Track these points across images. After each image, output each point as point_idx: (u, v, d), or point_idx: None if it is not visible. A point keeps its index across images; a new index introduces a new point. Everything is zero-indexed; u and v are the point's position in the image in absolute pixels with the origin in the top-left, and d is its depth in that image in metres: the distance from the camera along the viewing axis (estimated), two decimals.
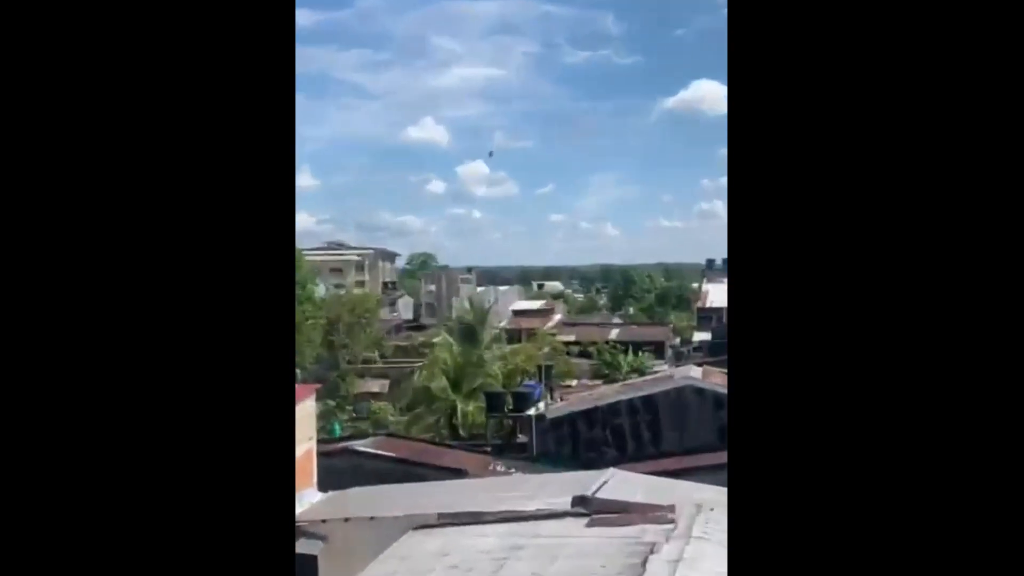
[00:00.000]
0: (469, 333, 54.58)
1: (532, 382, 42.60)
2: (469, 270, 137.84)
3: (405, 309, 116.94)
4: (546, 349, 60.15)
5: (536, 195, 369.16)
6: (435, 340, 58.82)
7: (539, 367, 46.48)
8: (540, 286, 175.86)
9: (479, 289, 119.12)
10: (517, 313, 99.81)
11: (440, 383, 49.85)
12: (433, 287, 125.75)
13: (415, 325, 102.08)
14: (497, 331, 60.74)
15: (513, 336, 67.12)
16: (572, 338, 75.50)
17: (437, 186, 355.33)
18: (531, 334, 69.39)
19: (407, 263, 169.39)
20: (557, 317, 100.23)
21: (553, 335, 71.21)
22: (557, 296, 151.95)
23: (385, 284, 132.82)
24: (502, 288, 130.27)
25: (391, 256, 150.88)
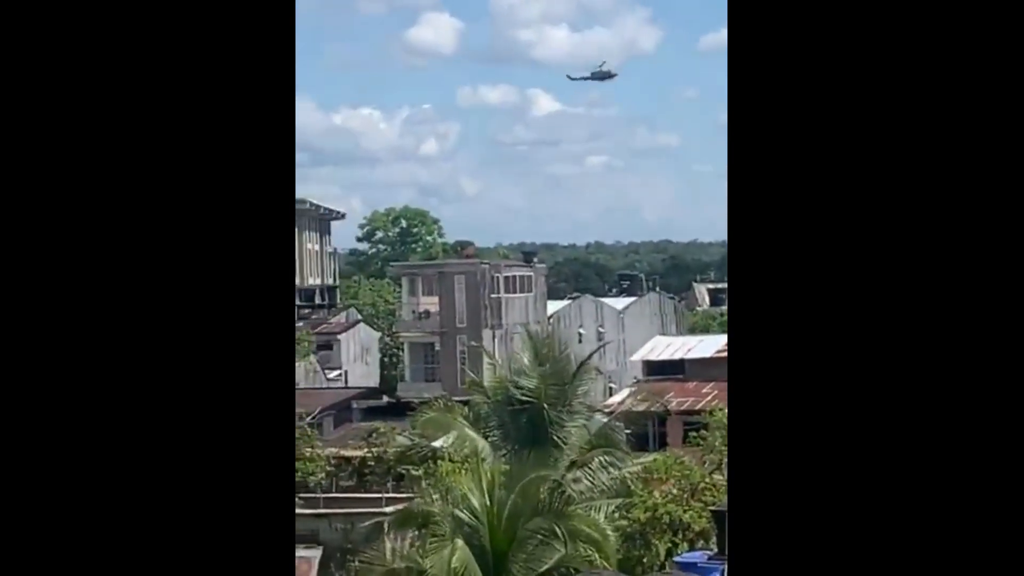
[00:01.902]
0: (531, 428, 28.23)
1: (698, 554, 25.06)
2: (529, 257, 77.72)
3: (356, 356, 68.89)
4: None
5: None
6: (439, 444, 29.23)
7: (714, 515, 26.29)
8: (718, 294, 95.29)
9: (557, 305, 76.38)
10: (655, 368, 53.74)
11: (450, 563, 23.05)
12: (436, 300, 66.80)
13: (387, 404, 55.02)
14: (602, 420, 30.94)
15: (645, 426, 40.63)
16: None
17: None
18: (693, 424, 37.52)
19: (364, 236, 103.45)
20: None
21: None
22: None
23: (311, 292, 72.79)
24: (616, 301, 79.20)
25: (324, 220, 79.55)
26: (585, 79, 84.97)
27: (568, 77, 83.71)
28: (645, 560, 30.78)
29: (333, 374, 66.90)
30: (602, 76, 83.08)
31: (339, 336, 70.94)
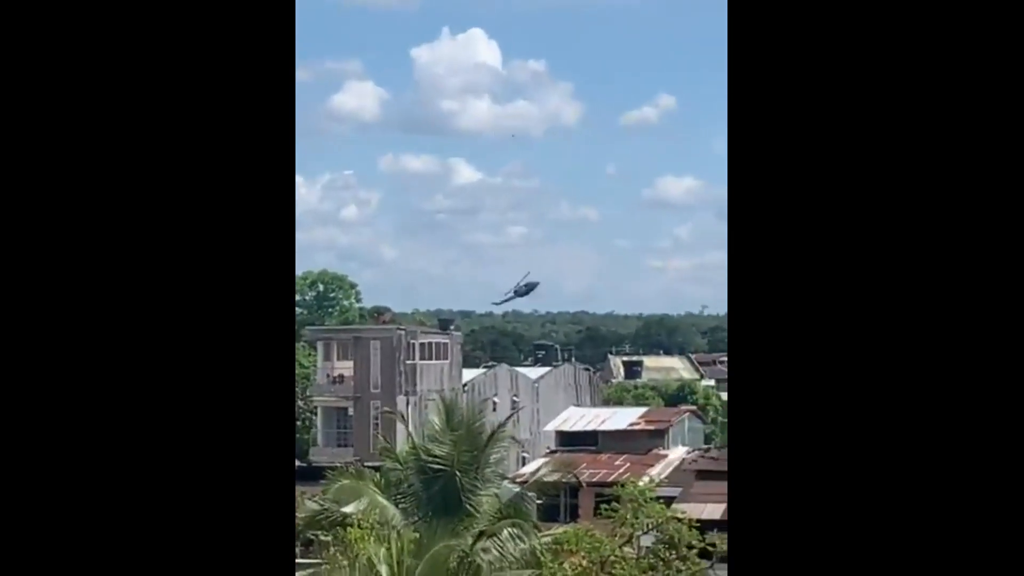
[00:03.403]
0: (443, 495, 28.09)
1: None
2: (446, 324, 79.18)
3: None
4: (646, 539, 33.32)
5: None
6: (349, 510, 27.64)
7: None
8: (632, 367, 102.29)
9: (473, 373, 76.46)
10: (568, 439, 55.24)
11: None
12: (351, 365, 68.21)
13: (298, 468, 54.01)
14: (514, 489, 30.84)
15: (557, 496, 41.11)
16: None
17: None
18: (605, 497, 36.54)
19: None
20: (679, 452, 52.35)
21: (662, 501, 35.04)
22: (683, 394, 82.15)
23: None
24: (531, 371, 79.72)
25: None
26: (510, 298, 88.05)
27: (493, 304, 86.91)
28: None
29: None
30: (526, 290, 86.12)
31: None
